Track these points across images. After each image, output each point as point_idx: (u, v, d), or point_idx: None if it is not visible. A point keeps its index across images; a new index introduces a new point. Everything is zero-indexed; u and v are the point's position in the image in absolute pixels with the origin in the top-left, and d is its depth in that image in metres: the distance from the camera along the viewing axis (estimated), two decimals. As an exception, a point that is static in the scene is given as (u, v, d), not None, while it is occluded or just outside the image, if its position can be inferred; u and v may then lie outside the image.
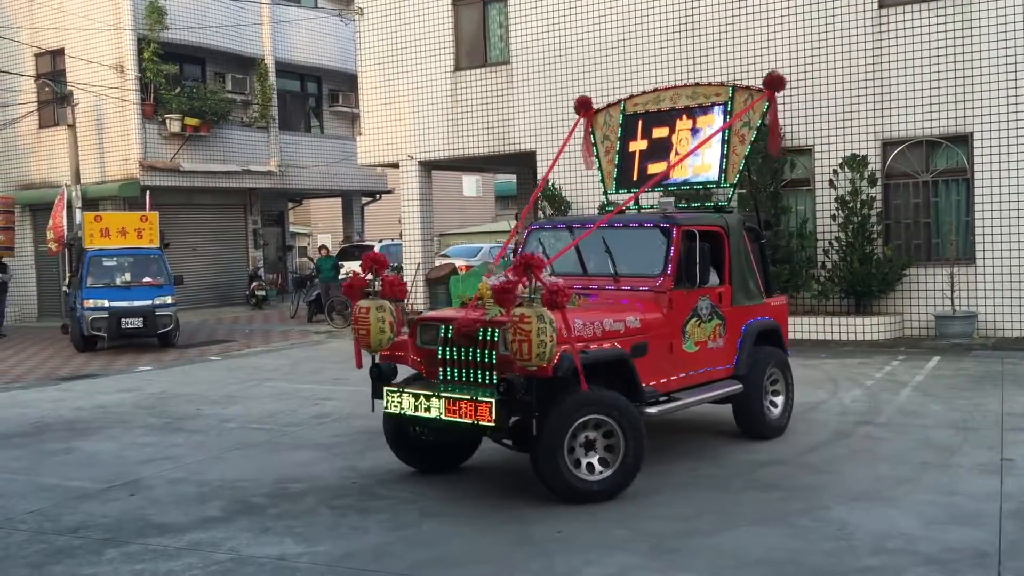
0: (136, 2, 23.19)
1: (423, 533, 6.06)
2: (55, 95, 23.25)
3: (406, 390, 6.73)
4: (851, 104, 15.16)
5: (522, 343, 5.90)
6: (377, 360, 6.99)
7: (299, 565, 5.54)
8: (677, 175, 8.60)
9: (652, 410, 7.02)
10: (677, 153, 8.59)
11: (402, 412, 6.73)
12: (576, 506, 6.47)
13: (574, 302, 6.68)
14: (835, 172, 14.93)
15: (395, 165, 20.85)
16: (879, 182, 14.81)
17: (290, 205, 31.32)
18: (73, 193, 20.86)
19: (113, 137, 23.67)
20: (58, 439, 9.36)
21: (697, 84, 9.22)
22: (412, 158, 19.92)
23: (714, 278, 7.79)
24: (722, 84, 8.97)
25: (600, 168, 9.22)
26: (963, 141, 14.50)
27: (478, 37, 19.28)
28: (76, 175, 21.42)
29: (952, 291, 14.16)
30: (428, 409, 6.55)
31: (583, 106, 9.35)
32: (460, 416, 6.38)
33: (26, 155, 25.31)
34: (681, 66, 16.52)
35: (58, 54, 24.39)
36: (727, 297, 7.92)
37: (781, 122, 15.38)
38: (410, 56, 19.95)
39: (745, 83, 8.50)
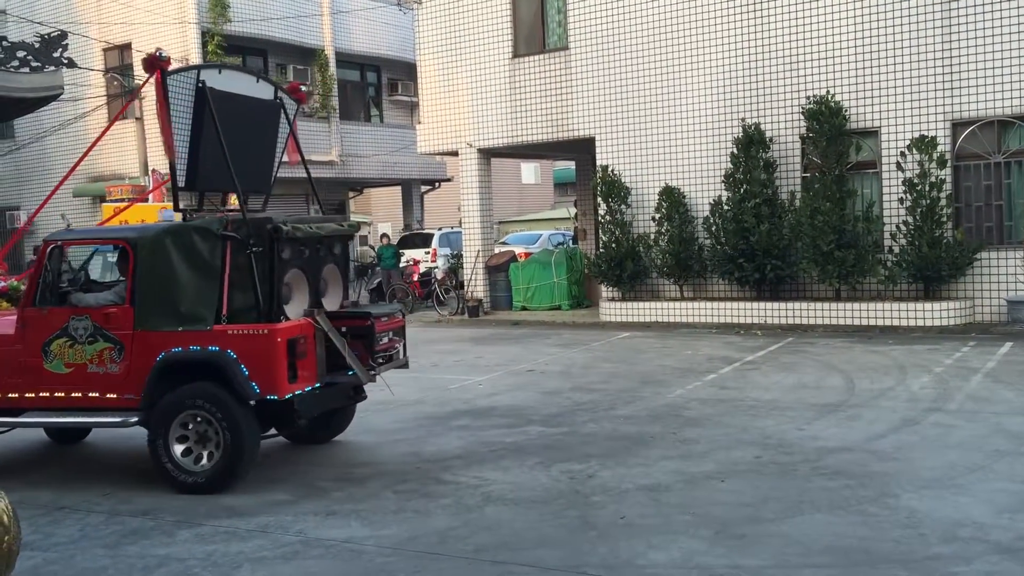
0: (200, -4, 23.63)
1: (486, 517, 6.11)
2: (123, 89, 23.77)
3: None
4: (920, 84, 14.80)
5: None
6: None
7: (365, 547, 5.63)
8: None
9: None
10: None
11: None
12: (641, 492, 6.46)
13: None
14: (903, 154, 14.58)
15: (454, 153, 20.93)
16: (949, 164, 14.44)
17: (351, 194, 31.63)
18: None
19: (179, 129, 24.12)
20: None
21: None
22: (471, 146, 19.96)
23: (107, 296, 7.28)
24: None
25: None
26: (1037, 120, 14.10)
27: (536, 23, 19.23)
28: (144, 167, 21.91)
29: (1025, 275, 13.80)
30: None
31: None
32: None
33: (96, 148, 25.88)
34: (744, 49, 16.28)
35: (126, 48, 24.93)
36: (127, 319, 7.02)
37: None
38: (468, 44, 19.97)
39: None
